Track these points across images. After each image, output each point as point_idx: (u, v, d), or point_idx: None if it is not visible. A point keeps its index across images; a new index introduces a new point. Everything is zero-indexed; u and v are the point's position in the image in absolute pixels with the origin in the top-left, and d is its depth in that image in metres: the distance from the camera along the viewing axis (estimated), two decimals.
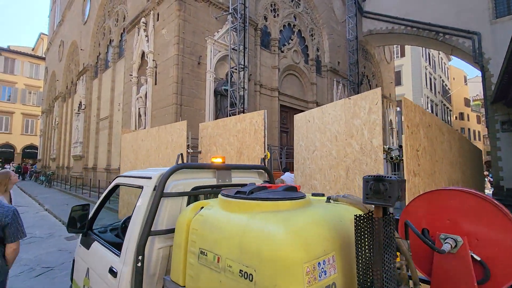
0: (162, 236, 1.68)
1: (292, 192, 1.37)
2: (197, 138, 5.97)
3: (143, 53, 10.60)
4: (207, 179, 2.01)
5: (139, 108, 10.18)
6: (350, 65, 17.00)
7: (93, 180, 14.32)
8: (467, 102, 50.77)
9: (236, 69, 9.67)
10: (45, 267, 4.75)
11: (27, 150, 38.30)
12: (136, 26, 11.08)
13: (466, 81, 52.56)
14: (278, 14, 13.07)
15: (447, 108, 43.53)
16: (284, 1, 13.50)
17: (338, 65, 16.78)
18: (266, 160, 4.30)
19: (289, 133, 13.66)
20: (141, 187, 1.88)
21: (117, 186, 2.38)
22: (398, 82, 32.19)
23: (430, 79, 37.26)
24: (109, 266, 1.79)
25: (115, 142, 13.04)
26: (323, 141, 3.90)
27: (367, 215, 1.03)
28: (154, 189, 1.73)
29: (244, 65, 9.47)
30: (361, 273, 1.02)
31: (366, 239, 1.02)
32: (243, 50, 9.54)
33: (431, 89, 36.96)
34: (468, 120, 48.19)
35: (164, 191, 1.69)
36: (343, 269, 1.10)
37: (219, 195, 1.46)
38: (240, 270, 1.06)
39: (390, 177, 0.96)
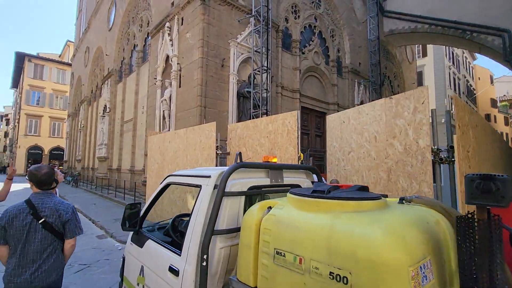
0: (223, 236, 1.67)
1: (368, 192, 1.32)
2: (223, 139, 6.00)
3: (167, 57, 10.83)
4: (261, 179, 1.99)
5: (163, 111, 10.40)
6: (371, 66, 16.64)
7: (118, 181, 14.73)
8: (493, 103, 48.48)
9: (258, 71, 9.69)
10: (82, 264, 4.90)
11: (54, 152, 40.08)
12: (161, 30, 11.35)
13: (493, 81, 50.18)
14: (299, 16, 13.01)
15: (473, 109, 41.60)
16: (305, 2, 13.43)
17: (359, 66, 16.47)
18: (300, 162, 4.25)
19: (310, 135, 13.52)
20: (198, 186, 1.88)
21: (167, 185, 2.39)
22: (420, 82, 31.17)
23: (454, 79, 35.84)
24: (169, 264, 1.79)
25: (139, 144, 13.38)
26: (360, 142, 3.80)
27: (470, 217, 0.96)
28: (214, 188, 1.72)
29: (267, 67, 9.47)
30: (463, 280, 0.95)
31: (469, 243, 0.95)
32: (266, 52, 9.55)
33: (455, 89, 35.53)
34: (495, 121, 45.94)
35: (225, 190, 1.68)
36: (438, 275, 1.04)
37: (289, 194, 1.43)
38: (331, 273, 1.02)
39: (502, 176, 0.89)
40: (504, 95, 51.58)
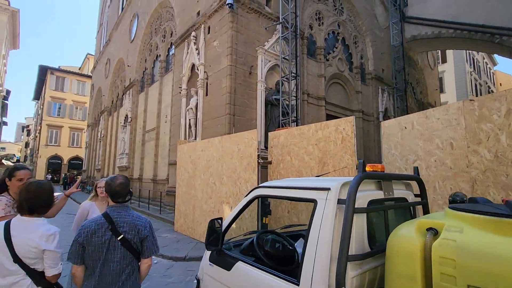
0: (353, 262, 1.38)
1: None
2: (262, 148, 5.77)
3: (193, 66, 10.82)
4: (373, 191, 1.71)
5: (189, 119, 10.31)
6: (395, 72, 16.23)
7: (141, 191, 14.68)
8: None
9: (286, 78, 9.50)
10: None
11: (73, 162, 40.92)
12: (186, 40, 11.41)
13: None
14: (322, 23, 12.87)
15: None
16: (328, 9, 13.29)
17: (383, 72, 16.10)
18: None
19: None
20: (311, 201, 1.60)
21: (254, 199, 2.14)
22: (440, 89, 30.35)
23: (476, 85, 34.77)
24: None
25: (162, 153, 13.33)
26: (429, 149, 3.47)
27: None
28: (338, 203, 1.45)
29: (296, 73, 9.27)
30: None
31: None
32: (294, 59, 9.36)
33: (477, 95, 34.39)
34: None
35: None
36: None
37: (457, 212, 1.14)
38: None
39: None
40: None
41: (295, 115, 9.16)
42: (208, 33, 10.14)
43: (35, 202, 1.76)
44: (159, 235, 7.58)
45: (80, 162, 40.78)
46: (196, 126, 9.89)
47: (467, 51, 33.17)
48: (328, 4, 13.34)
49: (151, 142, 14.73)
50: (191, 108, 10.31)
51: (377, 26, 16.39)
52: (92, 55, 44.64)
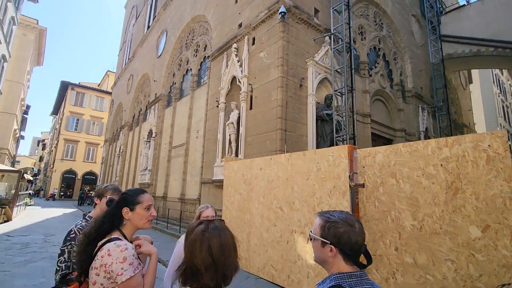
0: None
1: None
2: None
3: (233, 78, 10.23)
4: None
5: (229, 135, 9.55)
6: (435, 90, 15.40)
7: (164, 209, 13.77)
8: None
9: (339, 93, 8.74)
10: None
11: (86, 177, 40.57)
12: (225, 52, 10.92)
13: None
14: (365, 37, 12.30)
15: None
16: (370, 24, 12.78)
17: (421, 90, 15.28)
18: None
19: None
20: None
21: None
22: None
23: (503, 107, 33.57)
24: None
25: (192, 170, 12.53)
26: None
27: None
28: None
29: (352, 87, 8.52)
30: None
31: None
32: (349, 72, 8.65)
33: (505, 118, 33.11)
34: None
35: None
36: None
37: None
38: None
39: None
40: None
41: (352, 132, 8.29)
42: (253, 44, 9.60)
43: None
44: None
45: (94, 178, 40.42)
46: (238, 142, 9.10)
47: (493, 72, 32.33)
48: (369, 19, 12.85)
49: (178, 158, 14.00)
50: (232, 123, 9.58)
51: (414, 43, 15.80)
52: (112, 72, 45.63)
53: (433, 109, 15.47)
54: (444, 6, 18.97)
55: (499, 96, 32.39)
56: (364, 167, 4.50)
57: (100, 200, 2.22)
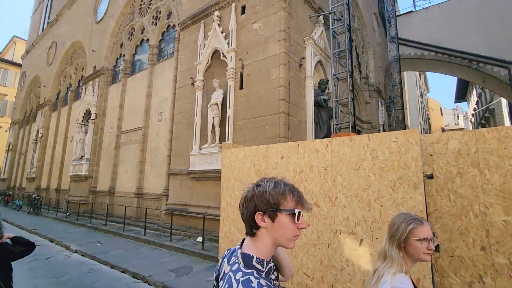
0: None
1: None
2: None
3: (215, 52, 8.71)
4: None
5: (213, 118, 8.09)
6: (392, 87, 16.48)
7: (113, 207, 11.37)
8: (443, 131, 54.58)
9: (336, 77, 8.18)
10: None
11: None
12: (201, 21, 9.24)
13: (442, 112, 56.71)
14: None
15: None
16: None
17: (380, 85, 16.15)
18: None
19: None
20: None
21: None
22: None
23: (420, 108, 39.15)
24: None
25: (153, 160, 10.52)
26: None
27: None
28: None
29: (352, 71, 8.02)
30: None
31: None
32: (349, 55, 8.14)
33: (422, 117, 38.70)
34: None
35: None
36: None
37: None
38: None
39: None
40: (446, 125, 58.55)
41: (353, 120, 7.84)
42: (242, 13, 8.25)
43: None
44: (202, 278, 5.28)
45: None
46: (227, 127, 7.73)
47: (416, 76, 37.27)
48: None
49: (132, 145, 11.67)
50: (216, 104, 8.13)
51: (375, 40, 16.52)
52: (20, 38, 37.00)
53: (388, 104, 16.54)
54: (398, 9, 20.45)
55: (418, 98, 37.61)
56: (431, 155, 3.89)
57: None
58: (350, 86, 8.00)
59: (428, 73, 50.83)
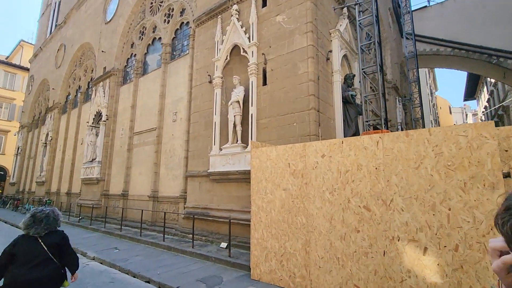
0: None
1: None
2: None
3: (234, 47, 8.31)
4: None
5: (234, 116, 7.67)
6: (410, 84, 15.93)
7: (128, 211, 11.00)
8: None
9: (364, 72, 7.72)
10: None
11: None
12: (219, 16, 8.86)
13: (451, 111, 55.77)
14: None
15: None
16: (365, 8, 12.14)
17: (397, 82, 15.63)
18: None
19: None
20: None
21: None
22: None
23: (430, 106, 38.41)
24: None
25: (168, 161, 10.13)
26: None
27: None
28: None
29: (381, 65, 7.57)
30: None
31: None
32: (379, 49, 7.68)
33: (432, 116, 37.93)
34: None
35: None
36: None
37: None
38: None
39: None
40: (454, 124, 57.63)
41: (385, 116, 7.37)
42: (263, 6, 7.84)
43: None
44: None
45: (2, 173, 32.42)
46: (250, 126, 7.30)
47: (426, 74, 36.57)
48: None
49: (146, 147, 11.30)
50: (237, 102, 7.72)
51: (391, 36, 16.01)
52: (28, 42, 37.12)
53: (404, 102, 16.01)
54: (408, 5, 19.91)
55: (428, 96, 36.90)
56: (507, 150, 3.41)
57: None
58: (380, 80, 7.52)
59: (436, 71, 50.10)
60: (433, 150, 3.60)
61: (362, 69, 7.75)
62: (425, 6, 19.32)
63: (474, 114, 50.17)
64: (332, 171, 4.43)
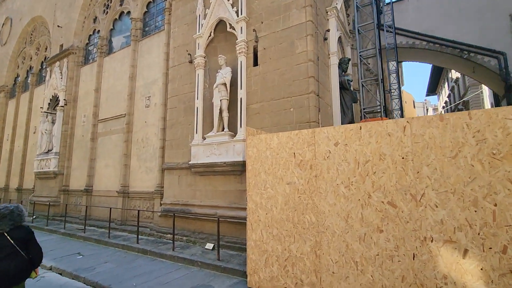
0: None
1: None
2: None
3: (218, 23, 7.33)
4: None
5: (221, 100, 6.76)
6: (390, 75, 15.97)
7: (88, 209, 9.67)
8: None
9: (361, 56, 7.21)
10: None
11: None
12: None
13: (415, 105, 59.06)
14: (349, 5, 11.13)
15: None
16: None
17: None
18: None
19: None
20: None
21: None
22: None
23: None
24: None
25: (141, 152, 8.95)
26: None
27: None
28: None
29: (380, 48, 7.08)
30: None
31: None
32: (377, 31, 7.18)
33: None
34: None
35: None
36: None
37: None
38: None
39: None
40: None
41: (383, 103, 6.92)
42: None
43: None
44: None
45: None
46: (238, 111, 6.44)
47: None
48: None
49: (113, 136, 9.95)
50: (223, 84, 6.81)
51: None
52: None
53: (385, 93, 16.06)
54: None
55: None
56: None
57: None
58: (379, 65, 7.05)
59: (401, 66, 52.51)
60: (474, 136, 3.08)
61: (360, 52, 7.21)
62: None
63: (435, 109, 53.46)
64: (348, 162, 3.80)
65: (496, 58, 15.59)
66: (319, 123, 5.68)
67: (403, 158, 3.46)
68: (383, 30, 17.57)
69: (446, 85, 36.72)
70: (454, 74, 31.84)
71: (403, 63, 29.59)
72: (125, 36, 10.57)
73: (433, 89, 39.27)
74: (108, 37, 11.29)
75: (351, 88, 7.19)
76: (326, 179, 3.95)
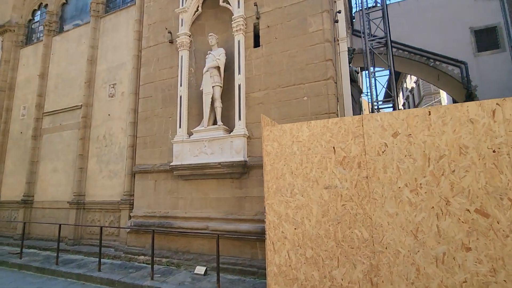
0: None
1: None
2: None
3: None
4: None
5: (213, 87, 5.51)
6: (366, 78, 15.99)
7: (32, 226, 7.57)
8: None
9: (371, 44, 6.54)
10: None
11: None
12: None
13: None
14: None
15: None
16: None
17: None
18: None
19: None
20: None
21: None
22: None
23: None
24: None
25: (104, 151, 7.20)
26: None
27: None
28: None
29: (390, 35, 6.47)
30: None
31: None
32: (386, 16, 6.56)
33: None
34: None
35: None
36: None
37: None
38: None
39: None
40: None
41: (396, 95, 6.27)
42: None
43: None
44: None
45: None
46: (236, 101, 5.24)
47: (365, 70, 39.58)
48: None
49: (65, 133, 7.98)
50: (216, 68, 5.58)
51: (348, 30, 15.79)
52: None
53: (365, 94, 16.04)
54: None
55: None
56: None
57: None
58: (390, 55, 6.44)
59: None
60: None
61: (369, 40, 6.53)
62: (373, 6, 20.06)
63: None
64: (414, 158, 2.88)
65: (458, 67, 16.52)
66: (338, 115, 4.76)
67: (494, 151, 2.64)
68: (357, 36, 17.74)
69: (401, 94, 39.23)
70: (410, 84, 34.10)
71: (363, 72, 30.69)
72: (82, 12, 8.70)
73: (388, 98, 41.84)
74: (59, 12, 9.26)
75: (357, 80, 6.45)
76: (383, 181, 2.98)
